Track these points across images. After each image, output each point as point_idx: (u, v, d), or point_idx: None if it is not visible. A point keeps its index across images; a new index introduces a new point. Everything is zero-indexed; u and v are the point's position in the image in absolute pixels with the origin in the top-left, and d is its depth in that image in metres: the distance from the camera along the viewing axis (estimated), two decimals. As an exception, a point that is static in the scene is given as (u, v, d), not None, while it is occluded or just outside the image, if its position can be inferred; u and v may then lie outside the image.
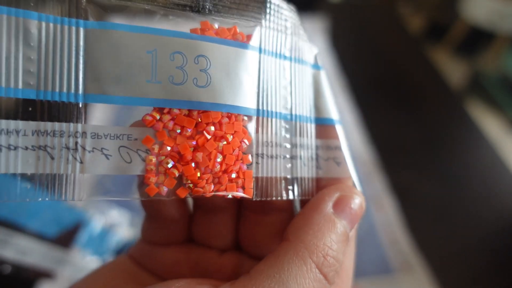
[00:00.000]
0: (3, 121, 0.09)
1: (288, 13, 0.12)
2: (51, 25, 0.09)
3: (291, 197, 0.12)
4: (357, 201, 0.14)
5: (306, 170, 0.12)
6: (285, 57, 0.12)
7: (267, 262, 0.12)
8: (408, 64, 0.72)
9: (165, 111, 0.10)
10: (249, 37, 0.11)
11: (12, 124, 0.09)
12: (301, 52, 0.12)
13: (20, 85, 0.09)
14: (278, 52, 0.12)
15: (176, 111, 0.10)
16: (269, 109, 0.11)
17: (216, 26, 0.11)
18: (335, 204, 0.13)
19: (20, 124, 0.09)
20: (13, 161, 0.09)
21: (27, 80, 0.09)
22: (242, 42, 0.11)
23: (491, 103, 1.71)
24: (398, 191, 0.50)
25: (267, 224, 0.15)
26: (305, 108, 0.13)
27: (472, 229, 0.47)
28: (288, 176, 0.12)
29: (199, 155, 0.10)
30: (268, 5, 0.11)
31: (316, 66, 0.13)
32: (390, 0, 0.90)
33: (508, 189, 0.52)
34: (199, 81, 0.10)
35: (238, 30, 0.11)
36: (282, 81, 0.12)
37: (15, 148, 0.09)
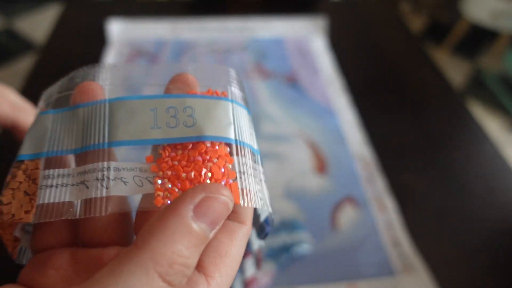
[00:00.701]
0: (61, 170, 0.15)
1: (237, 77, 0.18)
2: (90, 106, 0.15)
3: (258, 206, 0.15)
4: (221, 202, 0.14)
5: (259, 187, 0.16)
6: (241, 105, 0.16)
7: (110, 268, 0.12)
8: (409, 64, 0.72)
9: (162, 146, 0.15)
10: (224, 93, 0.16)
11: (66, 170, 0.15)
12: (244, 102, 0.17)
13: (73, 146, 0.15)
14: (239, 102, 0.16)
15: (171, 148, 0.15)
16: (243, 140, 0.16)
17: (198, 89, 0.16)
18: (197, 207, 0.13)
19: (71, 170, 0.15)
20: (64, 194, 0.14)
21: (78, 143, 0.15)
22: (219, 96, 0.16)
23: (493, 102, 1.70)
24: (399, 192, 0.50)
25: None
26: (249, 139, 0.17)
27: (474, 229, 0.47)
28: (258, 188, 0.16)
29: (192, 174, 0.14)
30: (230, 74, 0.17)
31: (246, 108, 0.17)
32: (391, -1, 0.89)
33: (510, 189, 0.51)
34: (187, 123, 0.15)
35: (213, 90, 0.16)
36: (246, 121, 0.16)
37: (66, 185, 0.14)
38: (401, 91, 0.66)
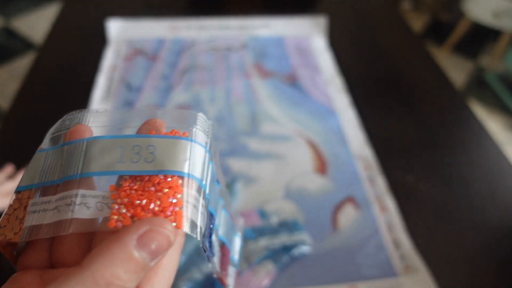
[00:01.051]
0: (44, 198, 0.17)
1: (205, 121, 0.20)
2: (73, 144, 0.18)
3: (194, 235, 0.17)
4: (164, 235, 0.16)
5: (198, 217, 0.18)
6: (201, 145, 0.19)
7: (55, 285, 0.14)
8: (409, 63, 0.72)
9: (125, 177, 0.17)
10: (185, 133, 0.19)
11: (48, 198, 0.17)
12: (206, 142, 0.20)
13: (56, 178, 0.18)
14: (199, 141, 0.19)
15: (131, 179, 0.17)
16: (194, 174, 0.18)
17: (164, 130, 0.19)
18: (140, 237, 0.15)
19: (52, 197, 0.17)
20: (43, 218, 0.17)
21: (60, 175, 0.18)
22: (180, 136, 0.18)
23: (495, 102, 1.70)
24: (400, 192, 0.49)
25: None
26: (200, 174, 0.19)
27: (476, 230, 0.46)
28: (197, 217, 0.17)
29: (144, 201, 0.16)
30: (198, 117, 0.20)
31: (205, 148, 0.19)
32: (392, -2, 0.89)
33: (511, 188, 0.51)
34: (148, 159, 0.17)
35: (176, 130, 0.19)
36: (201, 159, 0.19)
37: (46, 210, 0.17)
38: (402, 90, 0.65)
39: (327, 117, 0.59)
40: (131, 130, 0.20)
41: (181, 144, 0.18)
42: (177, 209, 0.16)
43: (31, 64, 0.65)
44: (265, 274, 0.40)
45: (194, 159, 0.18)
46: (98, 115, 0.20)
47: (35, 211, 0.17)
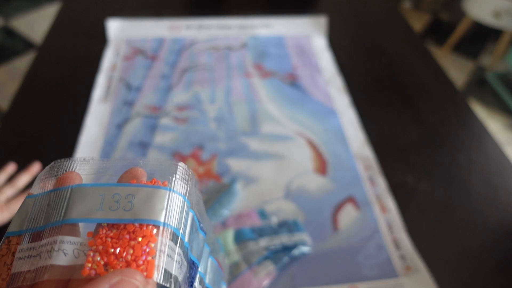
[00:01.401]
0: (30, 244, 0.18)
1: (185, 169, 0.20)
2: (58, 191, 0.19)
3: (167, 284, 0.17)
4: (133, 285, 0.16)
5: (172, 266, 0.18)
6: (179, 194, 0.19)
7: None
8: (410, 62, 0.71)
9: (103, 225, 0.18)
10: (164, 183, 0.19)
11: (32, 244, 0.18)
12: (185, 192, 0.20)
13: (41, 224, 0.18)
14: (178, 191, 0.19)
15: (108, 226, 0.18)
16: (170, 223, 0.18)
17: (144, 179, 0.20)
18: (111, 286, 0.16)
19: (36, 243, 0.18)
20: (26, 264, 0.17)
21: (44, 221, 0.18)
22: (159, 185, 0.19)
23: (495, 102, 1.69)
24: (401, 192, 0.49)
25: None
26: (177, 223, 0.19)
27: (477, 230, 0.46)
28: (171, 266, 0.18)
29: (118, 249, 0.17)
30: (178, 167, 0.20)
31: (184, 197, 0.20)
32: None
33: (514, 189, 0.51)
34: (126, 208, 0.18)
35: (156, 179, 0.19)
36: (179, 208, 0.19)
37: (30, 257, 0.17)
38: (402, 90, 0.65)
39: (327, 117, 0.59)
40: (114, 179, 0.20)
41: (159, 193, 0.19)
42: (149, 258, 0.17)
43: (30, 64, 0.65)
44: (265, 275, 0.40)
45: (172, 208, 0.19)
46: (85, 163, 0.21)
47: (21, 258, 0.17)
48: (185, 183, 0.20)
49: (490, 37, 1.98)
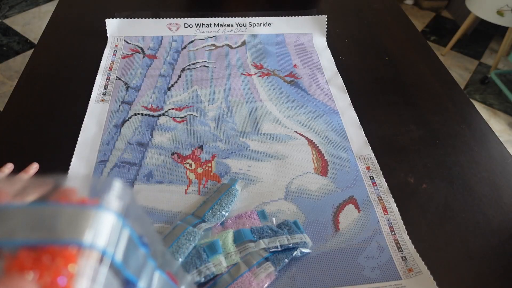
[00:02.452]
0: None
1: (120, 187, 0.20)
2: None
3: None
4: None
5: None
6: (112, 212, 0.18)
7: None
8: (412, 61, 0.70)
9: (24, 247, 0.17)
10: (95, 201, 0.18)
11: None
12: (120, 211, 0.19)
13: None
14: (110, 209, 0.19)
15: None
16: (96, 243, 0.17)
17: (75, 197, 0.19)
18: None
19: None
20: None
21: None
22: (87, 204, 0.18)
23: (498, 100, 1.68)
24: (403, 193, 0.49)
25: None
26: (105, 242, 0.18)
27: (479, 231, 0.46)
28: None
29: (34, 274, 0.16)
30: (112, 184, 0.19)
31: (117, 215, 0.19)
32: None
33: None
34: (49, 228, 0.17)
35: (87, 198, 0.19)
36: (108, 225, 0.18)
37: None
38: (404, 89, 0.64)
39: (328, 116, 0.58)
40: (43, 197, 0.19)
41: (86, 212, 0.18)
42: (67, 282, 0.16)
43: (27, 63, 0.65)
44: (265, 276, 0.39)
45: (99, 227, 0.18)
46: (13, 182, 0.21)
47: None
48: (119, 200, 0.19)
49: (493, 35, 1.96)
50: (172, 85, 0.62)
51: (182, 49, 0.69)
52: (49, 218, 0.17)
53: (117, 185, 0.20)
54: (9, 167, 0.48)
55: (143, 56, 0.67)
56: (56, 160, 0.50)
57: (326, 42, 0.72)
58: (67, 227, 0.17)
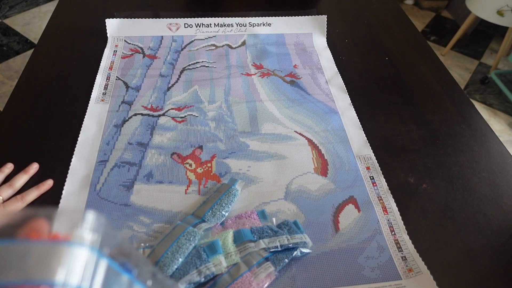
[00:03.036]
0: None
1: (94, 218, 0.19)
2: None
3: None
4: None
5: None
6: (85, 246, 0.18)
7: None
8: (412, 61, 0.70)
9: None
10: (67, 236, 0.18)
11: None
12: (95, 243, 0.19)
13: None
14: (83, 243, 0.18)
15: None
16: (70, 281, 0.16)
17: (46, 232, 0.18)
18: None
19: None
20: None
21: None
22: (58, 240, 0.17)
23: (499, 100, 1.68)
24: (403, 193, 0.49)
25: None
26: (79, 279, 0.18)
27: (479, 231, 0.46)
28: None
29: None
30: (85, 217, 0.19)
31: (92, 249, 0.18)
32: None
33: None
34: (20, 267, 0.16)
35: (59, 233, 0.18)
36: (81, 260, 0.17)
37: None
38: (404, 89, 0.64)
39: (329, 116, 0.58)
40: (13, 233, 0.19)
41: (57, 249, 0.17)
42: None
43: (27, 63, 0.65)
44: (265, 276, 0.39)
45: (72, 263, 0.17)
46: None
47: None
48: (93, 232, 0.19)
49: (493, 35, 1.96)
50: (172, 85, 0.62)
51: (182, 49, 0.69)
52: (18, 257, 0.17)
53: (90, 217, 0.19)
54: (9, 167, 0.48)
55: (143, 56, 0.67)
56: (56, 160, 0.50)
57: (326, 42, 0.72)
58: (38, 266, 0.17)
